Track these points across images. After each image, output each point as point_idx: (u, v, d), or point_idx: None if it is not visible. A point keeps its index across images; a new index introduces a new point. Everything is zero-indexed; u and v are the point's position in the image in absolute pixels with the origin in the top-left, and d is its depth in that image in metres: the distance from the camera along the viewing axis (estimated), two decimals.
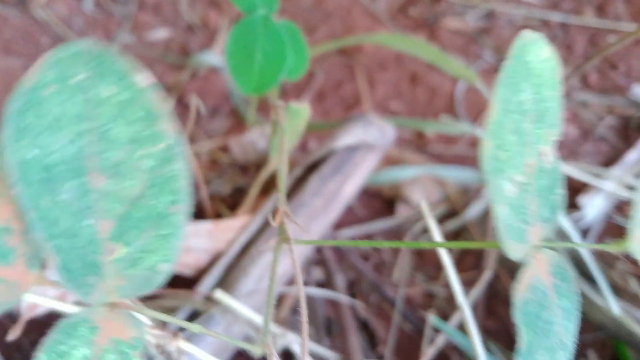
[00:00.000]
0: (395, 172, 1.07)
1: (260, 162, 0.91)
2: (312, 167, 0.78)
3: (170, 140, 0.31)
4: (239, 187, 1.08)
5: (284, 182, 0.51)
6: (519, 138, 0.32)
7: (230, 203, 1.07)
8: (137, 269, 0.29)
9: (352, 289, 1.01)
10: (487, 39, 1.31)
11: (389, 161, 1.12)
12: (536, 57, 0.32)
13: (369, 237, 1.09)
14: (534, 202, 0.33)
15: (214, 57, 1.23)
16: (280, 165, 0.52)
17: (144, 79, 0.32)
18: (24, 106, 0.26)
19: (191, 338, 0.60)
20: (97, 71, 0.30)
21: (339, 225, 1.08)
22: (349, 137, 0.77)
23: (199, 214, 0.98)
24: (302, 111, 0.60)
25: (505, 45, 1.31)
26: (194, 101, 0.69)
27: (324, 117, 1.23)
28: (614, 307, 0.81)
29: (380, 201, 1.12)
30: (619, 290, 0.88)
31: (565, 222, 0.93)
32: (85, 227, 0.28)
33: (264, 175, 0.76)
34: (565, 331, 0.35)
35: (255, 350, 0.35)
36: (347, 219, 1.10)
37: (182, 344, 0.49)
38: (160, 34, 1.29)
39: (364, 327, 0.98)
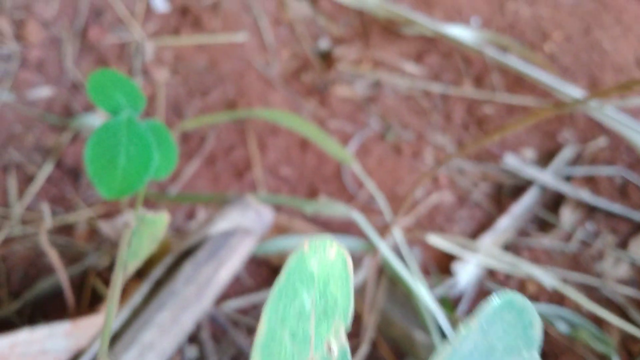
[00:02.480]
0: (283, 241, 1.08)
1: None
2: (187, 253, 0.78)
3: None
4: None
5: (112, 318, 0.50)
6: (299, 339, 0.33)
7: (108, 278, 1.03)
8: None
9: None
10: (373, 107, 1.38)
11: (278, 229, 1.13)
12: (321, 259, 0.34)
13: (255, 307, 1.09)
14: None
15: (97, 119, 1.20)
16: (111, 301, 0.51)
17: None
18: None
19: None
20: None
21: (225, 296, 1.08)
22: (225, 222, 0.77)
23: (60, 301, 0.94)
24: (158, 221, 0.60)
25: (391, 112, 1.38)
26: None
27: (214, 183, 1.23)
28: None
29: (267, 270, 1.12)
30: None
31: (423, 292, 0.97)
32: None
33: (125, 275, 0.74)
34: None
35: None
36: (234, 288, 1.09)
37: None
38: (42, 92, 1.25)
39: None
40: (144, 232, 0.59)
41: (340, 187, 1.25)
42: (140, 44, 1.35)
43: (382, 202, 1.07)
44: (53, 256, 0.71)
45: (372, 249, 1.11)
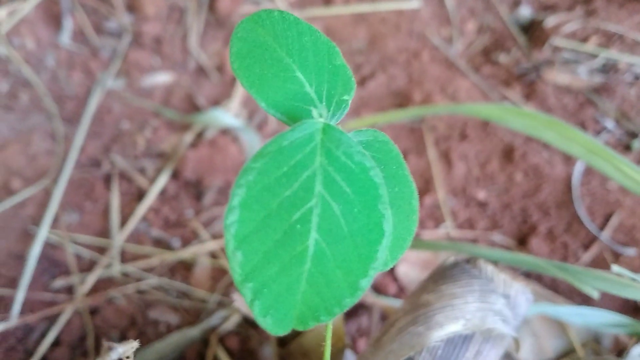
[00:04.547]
0: None
1: None
2: None
3: None
4: (250, 320, 0.72)
5: None
6: None
7: (234, 348, 0.70)
8: None
9: None
10: (607, 101, 0.94)
11: None
12: None
13: None
14: None
15: (228, 117, 0.88)
16: None
17: None
18: None
19: None
20: None
21: None
22: (454, 323, 0.40)
23: None
24: None
25: (634, 109, 0.93)
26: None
27: None
28: None
29: None
30: None
31: None
32: None
33: None
34: None
35: None
36: None
37: None
38: (159, 78, 0.95)
39: None
40: None
41: (572, 221, 0.83)
42: None
43: None
44: None
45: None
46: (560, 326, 0.73)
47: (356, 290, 0.26)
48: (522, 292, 0.46)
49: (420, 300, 0.43)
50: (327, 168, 0.27)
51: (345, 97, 0.31)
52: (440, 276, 0.45)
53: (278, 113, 0.30)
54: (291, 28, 0.31)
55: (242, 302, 0.52)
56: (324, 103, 0.31)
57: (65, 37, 0.95)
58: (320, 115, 0.30)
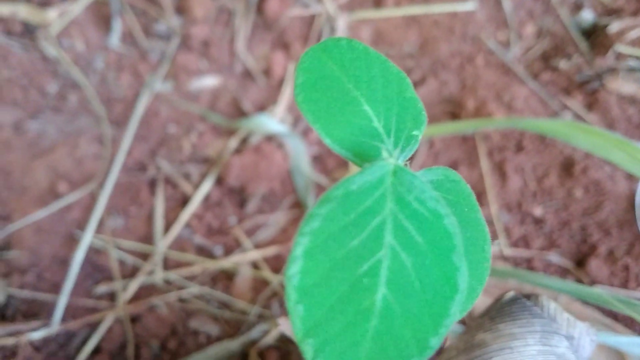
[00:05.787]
0: None
1: None
2: None
3: None
4: (289, 339, 0.69)
5: None
6: None
7: None
8: None
9: None
10: None
11: None
12: None
13: None
14: None
15: (274, 123, 0.86)
16: None
17: None
18: None
19: None
20: None
21: None
22: None
23: None
24: None
25: None
26: None
27: None
28: None
29: None
30: None
31: None
32: None
33: None
34: None
35: None
36: None
37: None
38: (206, 82, 0.94)
39: None
40: None
41: (634, 242, 0.78)
42: (332, 18, 0.99)
43: None
44: None
45: None
46: (618, 355, 0.68)
47: (425, 349, 0.23)
48: (586, 333, 0.42)
49: (476, 339, 0.40)
50: (397, 215, 0.24)
51: (415, 133, 0.28)
52: (498, 313, 0.42)
53: (343, 150, 0.27)
54: (360, 58, 0.28)
55: (287, 326, 0.50)
56: (392, 139, 0.28)
57: (115, 39, 0.95)
58: (390, 154, 0.27)
